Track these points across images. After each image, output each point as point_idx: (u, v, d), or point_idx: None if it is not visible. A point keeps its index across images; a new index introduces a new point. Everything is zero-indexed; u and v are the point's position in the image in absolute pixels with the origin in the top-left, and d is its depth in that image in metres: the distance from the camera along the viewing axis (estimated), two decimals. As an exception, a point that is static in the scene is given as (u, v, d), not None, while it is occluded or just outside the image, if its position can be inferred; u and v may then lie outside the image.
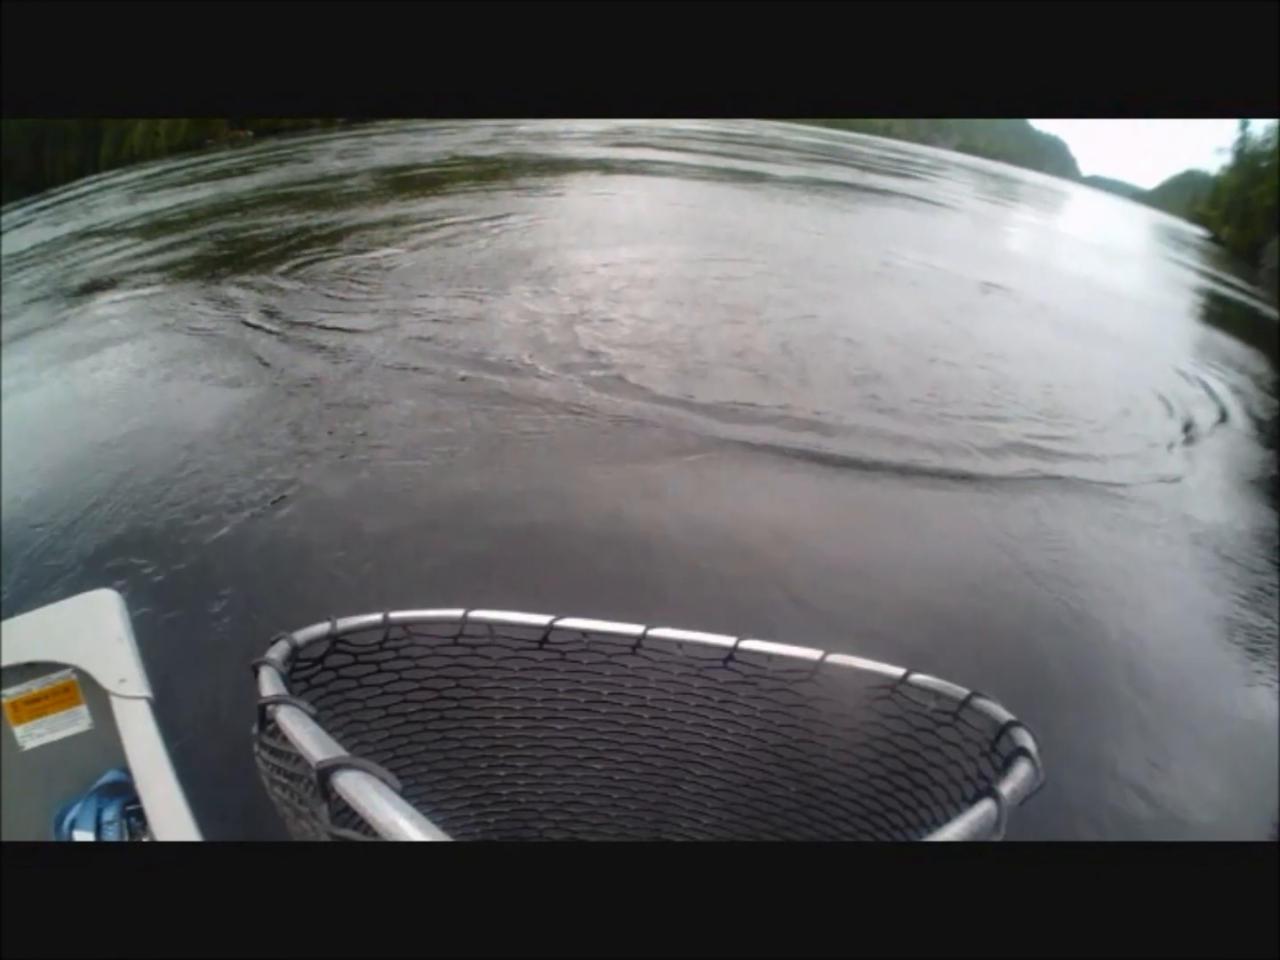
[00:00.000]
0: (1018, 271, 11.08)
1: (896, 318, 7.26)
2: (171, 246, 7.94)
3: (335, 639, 0.89)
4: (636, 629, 1.03)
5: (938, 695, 0.89)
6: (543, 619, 1.01)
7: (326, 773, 0.52)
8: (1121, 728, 2.74)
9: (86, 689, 1.36)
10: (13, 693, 1.32)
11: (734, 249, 8.79)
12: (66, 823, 1.34)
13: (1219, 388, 7.44)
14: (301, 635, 0.85)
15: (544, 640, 1.01)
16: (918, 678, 0.92)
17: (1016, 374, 6.34)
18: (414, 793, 0.97)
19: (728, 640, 1.03)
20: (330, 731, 0.62)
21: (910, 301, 8.01)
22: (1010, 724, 0.76)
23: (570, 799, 1.11)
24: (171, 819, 1.10)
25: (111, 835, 1.30)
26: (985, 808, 0.60)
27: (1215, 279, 18.03)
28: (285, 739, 0.61)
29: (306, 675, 0.86)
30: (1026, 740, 0.72)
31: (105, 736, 1.30)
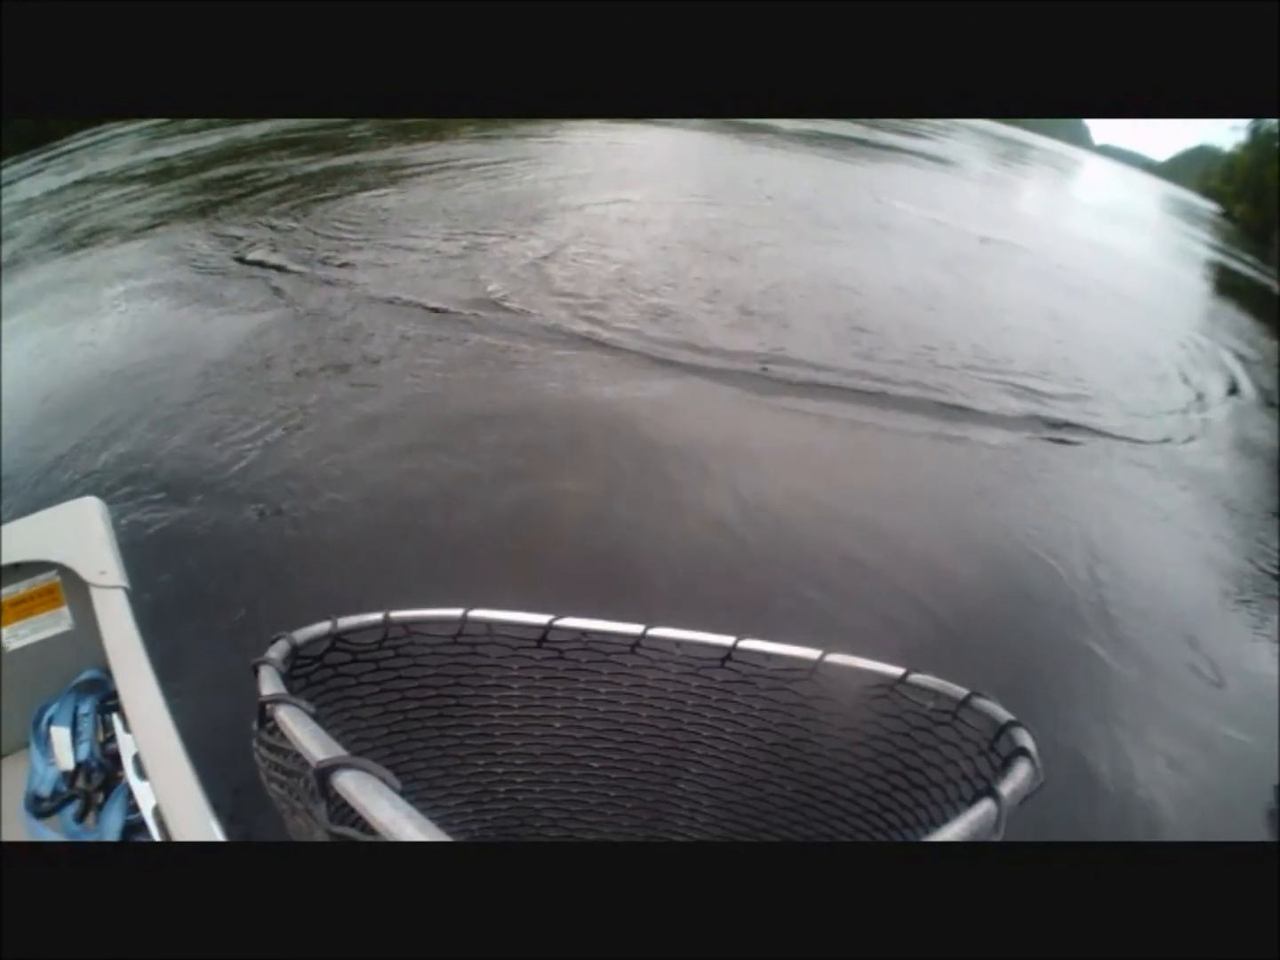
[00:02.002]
0: (1027, 232, 11.02)
1: (895, 267, 7.25)
2: (180, 191, 7.96)
3: (335, 638, 0.89)
4: (635, 628, 1.04)
5: (936, 695, 0.89)
6: (542, 618, 1.01)
7: (326, 772, 0.52)
8: (1105, 693, 2.77)
9: (69, 590, 1.41)
10: None
11: (733, 196, 8.81)
12: (45, 720, 1.39)
13: (1230, 358, 7.44)
14: (301, 634, 0.85)
15: (543, 639, 1.01)
16: (916, 677, 0.92)
17: (1021, 328, 6.34)
18: (412, 790, 0.98)
19: (726, 640, 1.03)
20: (329, 729, 0.62)
21: (911, 253, 7.98)
22: (1009, 724, 0.76)
23: (568, 797, 1.11)
24: (146, 705, 1.14)
25: (86, 729, 1.35)
26: (985, 808, 0.60)
27: (1227, 254, 17.93)
28: (285, 737, 0.61)
29: (306, 672, 0.86)
30: (1026, 740, 0.72)
31: (85, 636, 1.35)
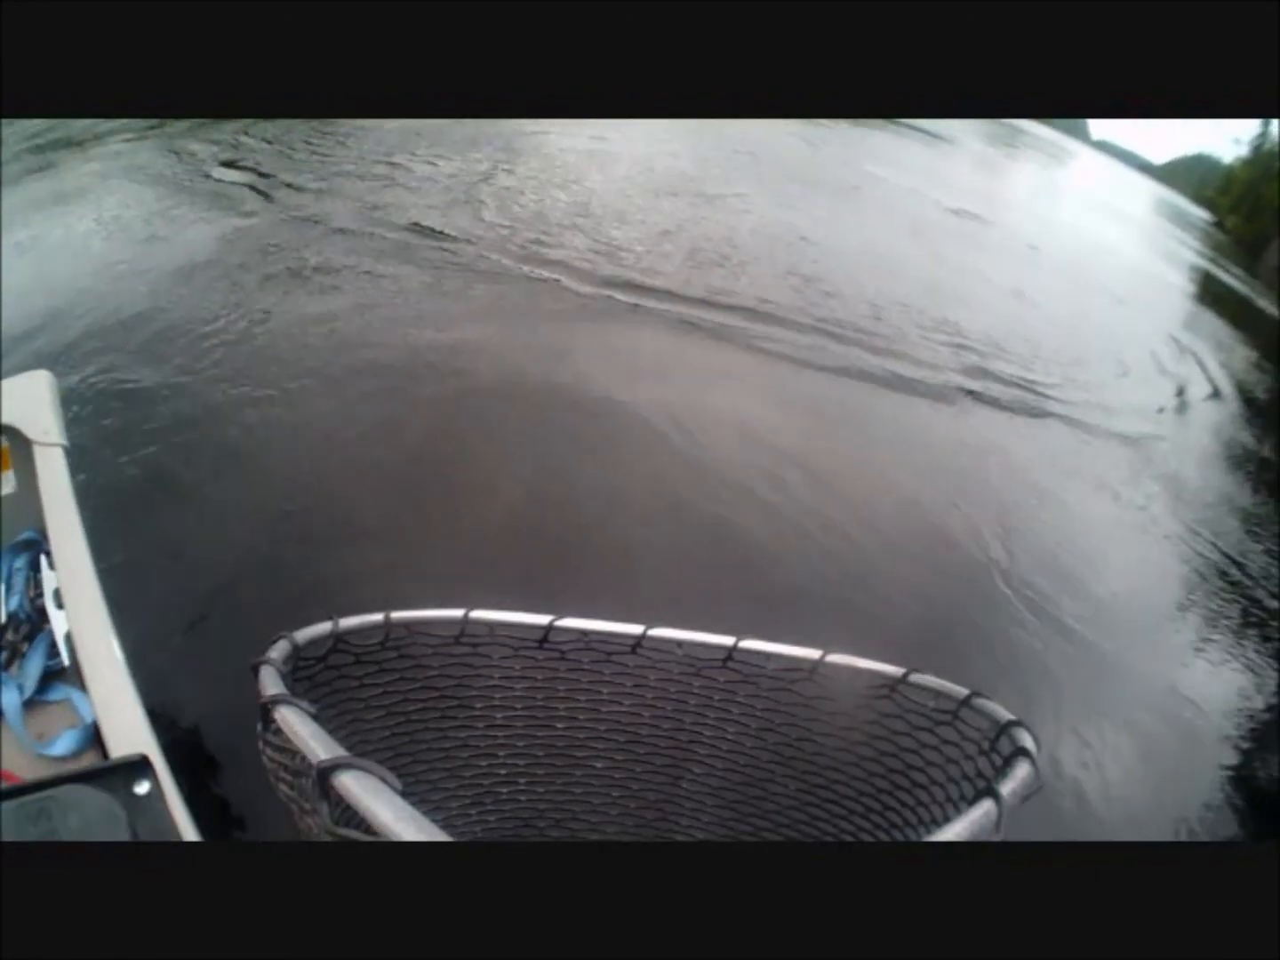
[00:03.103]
0: (1007, 211, 11.00)
1: (861, 228, 7.26)
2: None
3: (337, 638, 0.89)
4: (636, 629, 1.04)
5: (937, 695, 0.89)
6: (543, 619, 1.01)
7: (326, 772, 0.52)
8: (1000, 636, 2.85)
9: (15, 455, 1.51)
10: None
11: (708, 144, 8.79)
12: None
13: (1205, 360, 7.49)
14: (302, 635, 0.85)
15: (544, 640, 1.02)
16: (917, 677, 0.92)
17: (981, 302, 6.36)
18: (414, 791, 0.98)
19: (727, 640, 1.04)
20: (332, 730, 0.62)
21: (881, 217, 7.97)
22: (1010, 724, 0.76)
23: (571, 798, 1.11)
24: (70, 547, 1.27)
25: (18, 583, 1.45)
26: (985, 808, 0.60)
27: (1215, 262, 17.95)
28: (288, 738, 0.62)
29: (309, 674, 0.87)
30: (1026, 740, 0.72)
31: (26, 500, 1.46)
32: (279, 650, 0.80)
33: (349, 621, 0.91)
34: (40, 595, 1.42)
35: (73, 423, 1.64)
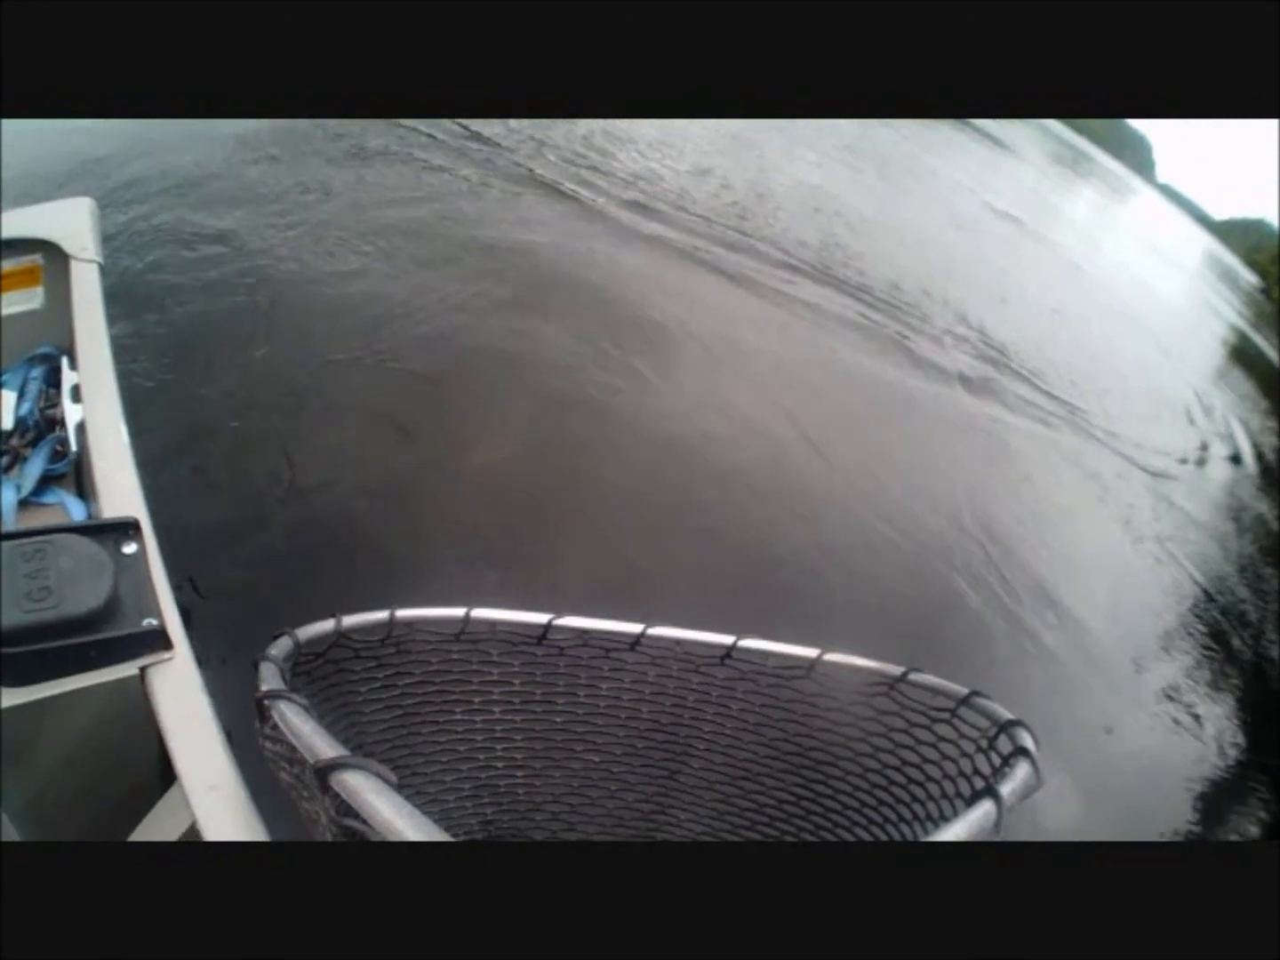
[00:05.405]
0: (1060, 229, 10.87)
1: (902, 208, 7.21)
2: None
3: (339, 635, 0.89)
4: (635, 627, 1.04)
5: (936, 693, 0.89)
6: (542, 617, 1.01)
7: (325, 771, 0.53)
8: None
9: (49, 274, 1.54)
10: None
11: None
12: None
13: (1225, 414, 7.51)
14: (304, 632, 0.85)
15: (543, 637, 1.02)
16: (916, 676, 0.92)
17: (1016, 307, 6.38)
18: (411, 784, 0.97)
19: (726, 638, 1.03)
20: (331, 725, 0.62)
21: (925, 205, 7.86)
22: (1010, 723, 0.76)
23: (568, 792, 1.11)
24: (94, 348, 1.33)
25: (31, 391, 1.48)
26: (985, 807, 0.60)
27: (1255, 327, 17.87)
28: (283, 733, 0.62)
29: (309, 668, 0.87)
30: (1026, 739, 0.72)
31: (53, 317, 1.51)
32: (280, 648, 0.80)
33: (351, 619, 0.91)
34: (51, 405, 1.46)
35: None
